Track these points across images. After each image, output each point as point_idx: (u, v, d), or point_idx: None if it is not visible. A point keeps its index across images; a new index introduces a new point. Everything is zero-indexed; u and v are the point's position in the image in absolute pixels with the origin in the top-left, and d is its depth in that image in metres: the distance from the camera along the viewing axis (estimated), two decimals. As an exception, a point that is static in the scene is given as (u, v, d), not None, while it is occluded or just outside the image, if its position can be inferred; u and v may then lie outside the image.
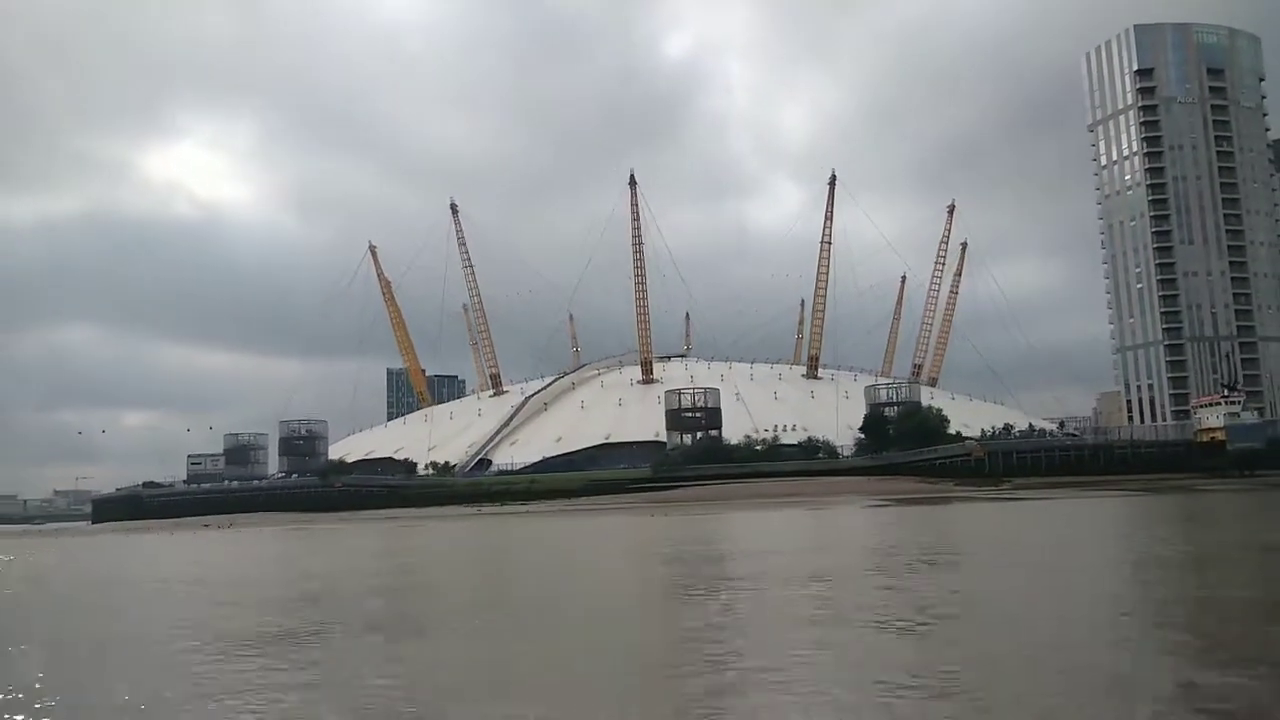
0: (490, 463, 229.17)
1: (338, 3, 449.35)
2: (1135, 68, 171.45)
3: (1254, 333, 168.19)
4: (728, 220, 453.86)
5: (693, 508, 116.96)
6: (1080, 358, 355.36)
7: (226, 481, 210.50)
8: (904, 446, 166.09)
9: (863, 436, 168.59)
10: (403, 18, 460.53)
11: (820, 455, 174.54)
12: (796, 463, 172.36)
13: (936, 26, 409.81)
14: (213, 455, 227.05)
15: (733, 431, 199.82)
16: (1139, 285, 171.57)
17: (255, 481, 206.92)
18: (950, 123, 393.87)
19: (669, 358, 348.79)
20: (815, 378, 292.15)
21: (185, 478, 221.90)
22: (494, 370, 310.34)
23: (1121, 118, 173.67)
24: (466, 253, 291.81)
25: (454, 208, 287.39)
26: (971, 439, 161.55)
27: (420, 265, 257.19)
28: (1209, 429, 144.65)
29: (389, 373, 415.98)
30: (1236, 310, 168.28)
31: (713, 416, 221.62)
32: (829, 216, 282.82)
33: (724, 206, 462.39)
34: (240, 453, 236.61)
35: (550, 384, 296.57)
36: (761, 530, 60.27)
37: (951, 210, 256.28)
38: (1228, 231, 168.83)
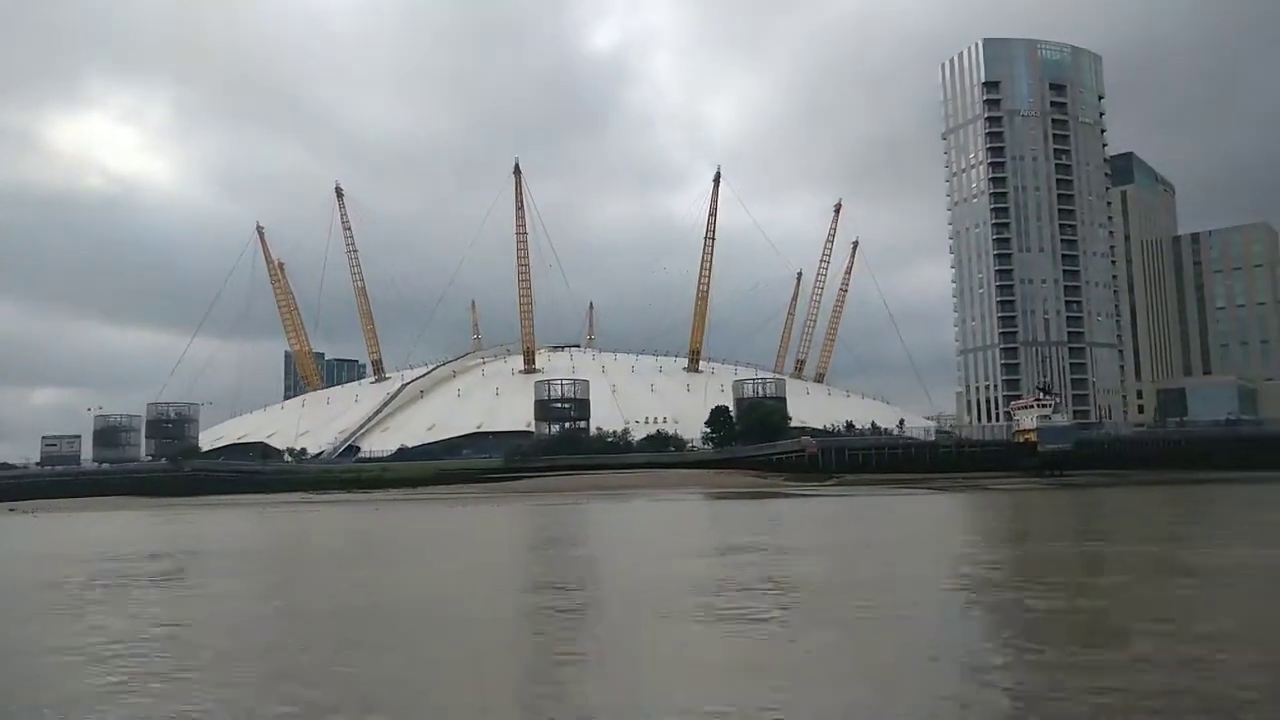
0: (358, 449, 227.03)
1: None
2: (983, 80, 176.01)
3: (1084, 339, 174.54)
4: (656, 213, 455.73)
5: (522, 498, 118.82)
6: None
7: (96, 464, 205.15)
8: (748, 441, 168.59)
9: (709, 430, 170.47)
10: (330, 3, 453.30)
11: (669, 448, 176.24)
12: (645, 455, 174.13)
13: (866, 25, 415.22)
14: (69, 437, 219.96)
15: (606, 422, 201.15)
16: (980, 290, 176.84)
17: (104, 465, 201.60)
18: (878, 122, 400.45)
19: (562, 348, 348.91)
20: (696, 371, 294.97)
21: (39, 459, 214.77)
22: (376, 356, 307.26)
23: (970, 127, 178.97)
24: (351, 237, 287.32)
25: (339, 191, 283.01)
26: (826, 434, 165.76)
27: (314, 248, 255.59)
28: (1024, 430, 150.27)
29: (286, 355, 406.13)
30: (1069, 317, 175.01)
31: (581, 408, 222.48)
32: (713, 213, 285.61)
33: (652, 199, 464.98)
34: (110, 434, 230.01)
35: (430, 371, 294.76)
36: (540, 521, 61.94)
37: (838, 209, 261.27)
38: (1063, 241, 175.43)
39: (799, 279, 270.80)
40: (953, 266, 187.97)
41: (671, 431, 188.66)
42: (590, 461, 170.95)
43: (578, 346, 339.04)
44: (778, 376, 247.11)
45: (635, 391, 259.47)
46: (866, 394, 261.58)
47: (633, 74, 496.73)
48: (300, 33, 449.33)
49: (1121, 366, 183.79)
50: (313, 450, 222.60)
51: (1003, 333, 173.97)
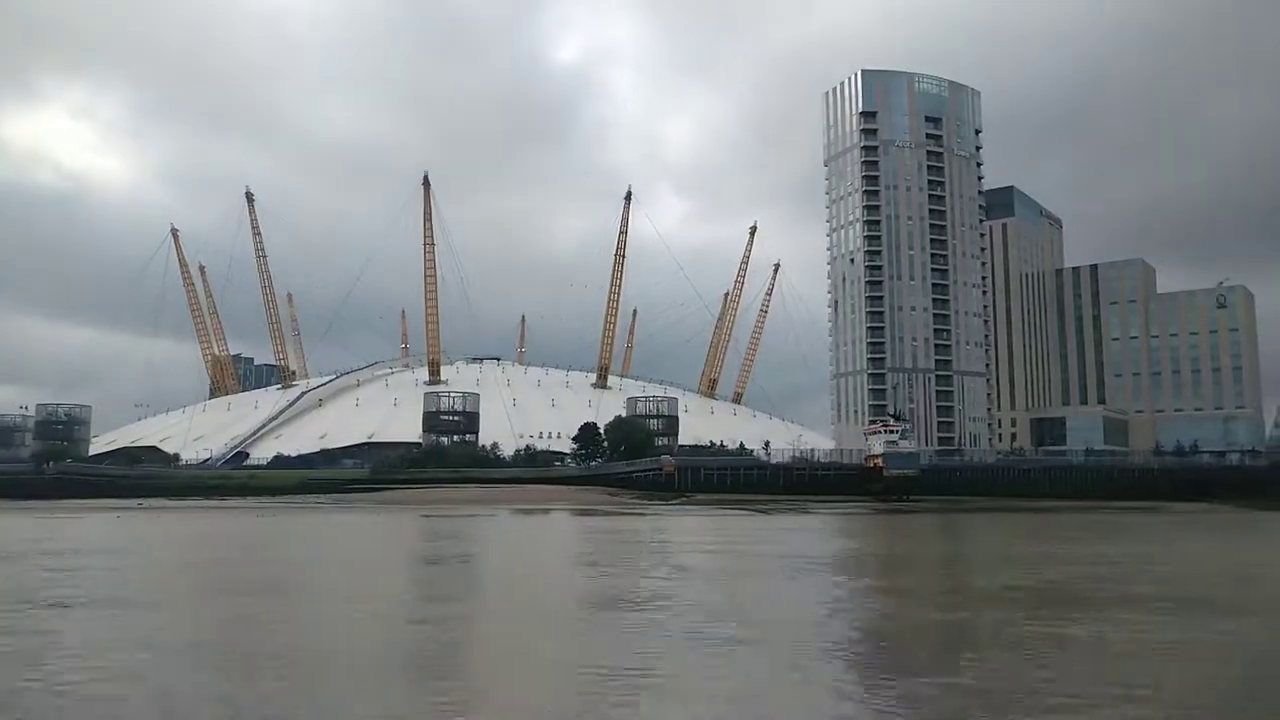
0: (247, 456, 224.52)
1: None
2: (860, 110, 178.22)
3: (951, 366, 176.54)
4: (613, 228, 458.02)
5: (375, 510, 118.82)
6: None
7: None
8: (617, 458, 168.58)
9: (576, 447, 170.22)
10: (288, 3, 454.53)
11: (538, 464, 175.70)
12: (512, 469, 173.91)
13: (821, 46, 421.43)
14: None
15: (497, 436, 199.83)
16: (853, 315, 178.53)
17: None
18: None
19: (480, 360, 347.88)
20: (604, 387, 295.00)
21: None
22: (285, 362, 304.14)
23: (848, 156, 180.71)
24: (261, 242, 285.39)
25: (249, 196, 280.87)
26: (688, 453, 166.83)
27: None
28: (874, 455, 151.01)
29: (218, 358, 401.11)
30: (938, 345, 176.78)
31: (470, 421, 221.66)
32: (624, 231, 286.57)
33: (610, 214, 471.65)
34: (3, 434, 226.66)
35: (333, 380, 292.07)
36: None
37: (753, 232, 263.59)
38: (935, 270, 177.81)
39: (725, 299, 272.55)
40: (829, 291, 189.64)
41: (567, 447, 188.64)
42: (456, 475, 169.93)
43: (498, 359, 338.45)
44: (670, 396, 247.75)
45: (536, 406, 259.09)
46: (777, 415, 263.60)
47: (594, 89, 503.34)
48: (258, 36, 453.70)
49: (989, 394, 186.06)
50: (204, 456, 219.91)
51: (871, 358, 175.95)
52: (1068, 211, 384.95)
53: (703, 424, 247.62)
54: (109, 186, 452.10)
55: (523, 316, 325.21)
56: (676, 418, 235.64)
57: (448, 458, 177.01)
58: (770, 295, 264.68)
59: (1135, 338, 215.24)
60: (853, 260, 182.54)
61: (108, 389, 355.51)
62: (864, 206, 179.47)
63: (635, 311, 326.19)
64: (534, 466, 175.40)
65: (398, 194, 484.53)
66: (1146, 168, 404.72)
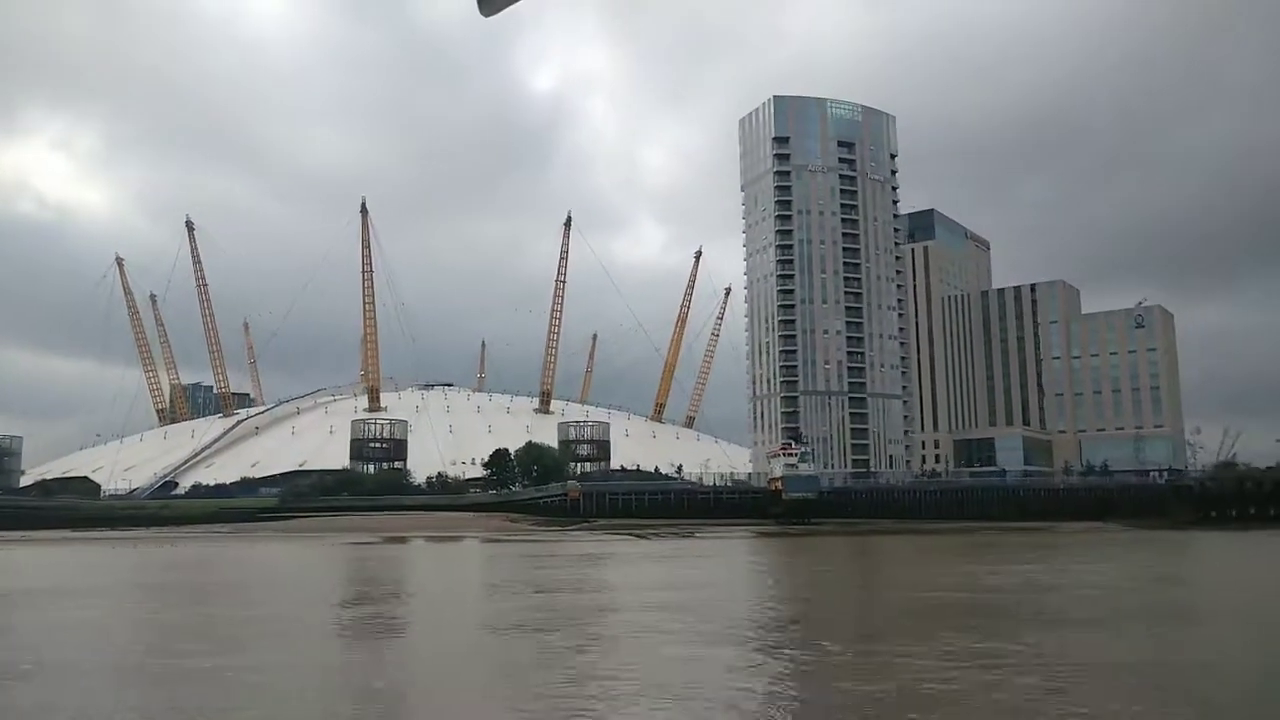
0: (176, 485, 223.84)
1: (202, 13, 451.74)
2: (773, 135, 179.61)
3: (866, 389, 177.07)
4: (594, 253, 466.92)
5: (255, 538, 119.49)
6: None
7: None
8: (527, 484, 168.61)
9: (488, 473, 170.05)
10: (270, 32, 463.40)
11: (450, 491, 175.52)
12: (424, 496, 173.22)
13: (793, 76, 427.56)
14: None
15: (432, 463, 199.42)
16: (767, 339, 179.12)
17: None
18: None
19: (431, 386, 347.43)
20: (547, 412, 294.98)
21: None
22: (224, 390, 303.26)
23: (763, 181, 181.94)
24: (201, 271, 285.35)
25: (190, 225, 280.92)
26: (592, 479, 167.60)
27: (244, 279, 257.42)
28: (775, 479, 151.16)
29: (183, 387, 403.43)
30: (852, 368, 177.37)
31: (399, 448, 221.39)
32: (564, 256, 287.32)
33: (591, 240, 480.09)
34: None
35: (272, 408, 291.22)
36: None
37: (698, 257, 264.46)
38: (848, 294, 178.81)
39: (680, 324, 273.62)
40: (746, 315, 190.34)
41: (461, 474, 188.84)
42: (367, 503, 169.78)
43: (450, 385, 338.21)
44: (603, 421, 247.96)
45: (473, 432, 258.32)
46: (725, 438, 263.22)
47: (572, 117, 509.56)
48: (238, 64, 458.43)
49: (907, 416, 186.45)
50: (133, 486, 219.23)
51: (784, 381, 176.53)
52: (1009, 234, 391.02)
53: (642, 448, 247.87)
54: (89, 216, 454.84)
55: (483, 342, 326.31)
56: (608, 442, 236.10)
57: (361, 485, 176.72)
58: (721, 319, 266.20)
59: (1058, 358, 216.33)
60: (767, 284, 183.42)
61: (82, 418, 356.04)
62: (776, 231, 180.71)
63: (595, 336, 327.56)
64: (446, 493, 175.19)
65: (377, 220, 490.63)
66: (1090, 191, 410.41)
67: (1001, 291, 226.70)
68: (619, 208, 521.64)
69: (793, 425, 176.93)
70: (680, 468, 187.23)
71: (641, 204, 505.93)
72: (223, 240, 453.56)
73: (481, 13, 4.24)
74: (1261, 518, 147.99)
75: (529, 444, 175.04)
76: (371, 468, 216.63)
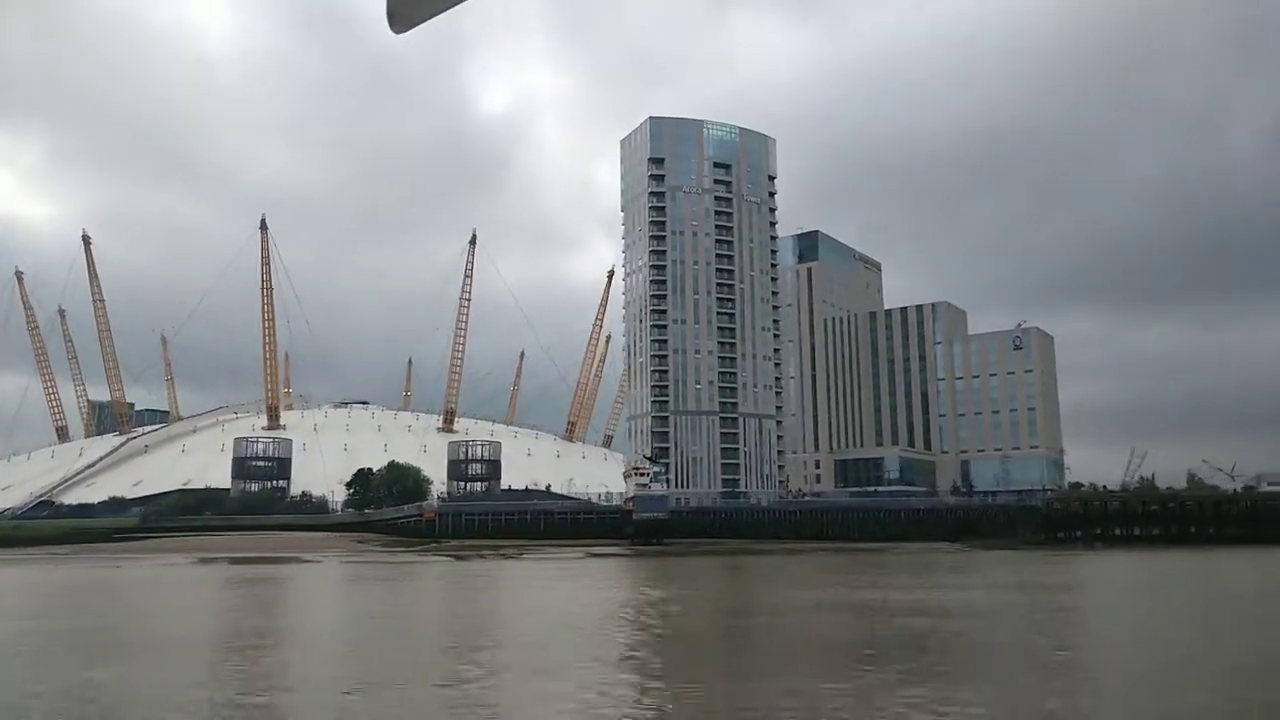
0: (52, 504, 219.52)
1: (149, 31, 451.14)
2: (649, 156, 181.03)
3: (738, 409, 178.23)
4: (548, 273, 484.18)
5: (85, 560, 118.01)
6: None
7: None
8: (388, 504, 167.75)
9: (350, 493, 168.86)
10: (218, 50, 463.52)
11: (312, 510, 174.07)
12: (283, 517, 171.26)
13: (740, 100, 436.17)
14: None
15: (321, 482, 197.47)
16: (640, 359, 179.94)
17: None
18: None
19: (347, 404, 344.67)
20: (450, 431, 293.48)
21: None
22: (120, 407, 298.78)
23: (640, 201, 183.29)
24: (99, 286, 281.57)
25: (86, 239, 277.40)
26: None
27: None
28: (628, 498, 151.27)
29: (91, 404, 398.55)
30: (724, 388, 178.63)
31: (282, 466, 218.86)
32: (468, 275, 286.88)
33: (545, 260, 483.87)
34: None
35: (165, 426, 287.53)
36: None
37: (610, 276, 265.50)
38: (721, 314, 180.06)
39: (608, 342, 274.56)
40: (624, 335, 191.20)
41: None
42: (225, 523, 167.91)
43: (366, 403, 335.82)
44: (494, 441, 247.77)
45: (368, 451, 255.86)
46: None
47: (523, 136, 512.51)
48: (186, 83, 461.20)
49: (780, 437, 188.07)
50: (8, 505, 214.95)
51: (655, 401, 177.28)
52: (953, 258, 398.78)
53: (545, 468, 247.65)
54: (36, 231, 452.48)
55: (409, 360, 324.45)
56: (498, 462, 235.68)
57: (223, 504, 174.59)
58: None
59: (943, 379, 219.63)
60: (641, 304, 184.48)
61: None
62: (650, 251, 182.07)
63: (522, 354, 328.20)
64: (309, 513, 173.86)
65: (331, 239, 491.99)
66: (1026, 217, 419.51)
67: (889, 313, 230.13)
68: (571, 227, 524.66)
69: (663, 445, 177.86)
70: (571, 483, 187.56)
71: (593, 223, 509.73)
72: (167, 257, 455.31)
73: (393, 30, 3.92)
74: (1105, 537, 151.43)
75: (391, 463, 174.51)
76: (255, 486, 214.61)
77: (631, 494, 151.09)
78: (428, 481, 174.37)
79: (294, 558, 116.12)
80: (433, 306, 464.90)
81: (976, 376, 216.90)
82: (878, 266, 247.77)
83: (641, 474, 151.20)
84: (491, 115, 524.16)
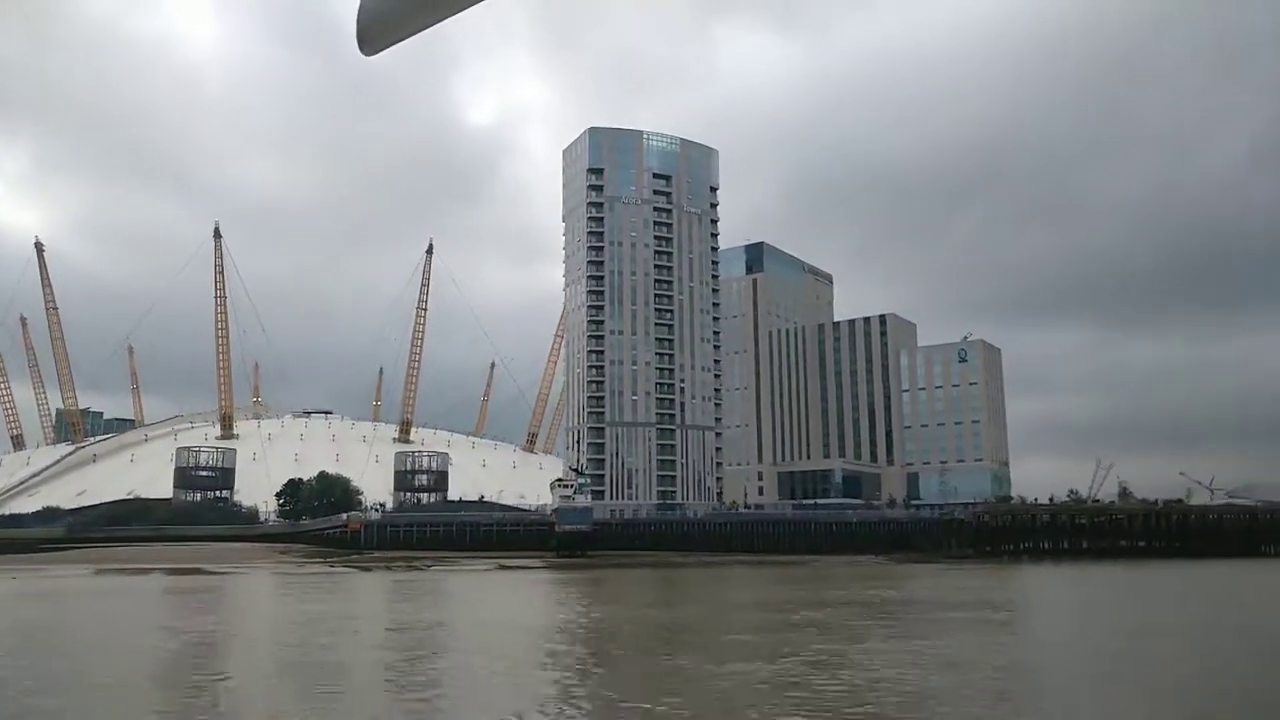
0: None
1: (135, 39, 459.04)
2: (588, 166, 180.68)
3: (676, 421, 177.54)
4: (536, 283, 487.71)
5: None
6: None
7: None
8: (319, 514, 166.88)
9: (281, 503, 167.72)
10: (203, 59, 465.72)
11: (241, 520, 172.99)
12: (212, 528, 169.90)
13: (729, 107, 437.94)
14: None
15: (257, 492, 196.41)
16: (577, 370, 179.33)
17: None
18: (746, 205, 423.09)
19: (309, 413, 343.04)
20: (407, 441, 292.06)
21: None
22: (74, 417, 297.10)
23: (579, 211, 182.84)
24: (51, 293, 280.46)
25: (39, 247, 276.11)
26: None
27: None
28: (553, 510, 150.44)
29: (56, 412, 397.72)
30: (661, 399, 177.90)
31: (226, 476, 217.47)
32: (425, 284, 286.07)
33: (533, 269, 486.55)
34: None
35: (117, 436, 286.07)
36: None
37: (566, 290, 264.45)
38: (659, 325, 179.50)
39: (555, 354, 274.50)
40: (564, 346, 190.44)
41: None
42: (154, 534, 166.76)
43: (327, 413, 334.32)
44: (441, 452, 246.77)
45: (320, 462, 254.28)
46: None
47: (510, 146, 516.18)
48: (170, 91, 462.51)
49: (719, 449, 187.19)
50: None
51: (591, 412, 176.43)
52: (937, 274, 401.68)
53: (497, 478, 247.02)
54: (19, 236, 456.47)
55: (380, 369, 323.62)
56: (445, 473, 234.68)
57: (150, 515, 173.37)
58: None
59: (906, 390, 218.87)
60: (579, 315, 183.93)
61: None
62: (588, 262, 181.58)
63: (493, 365, 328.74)
64: (239, 524, 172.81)
65: (317, 247, 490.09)
66: (1011, 231, 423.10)
67: (837, 325, 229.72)
68: (556, 237, 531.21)
69: (599, 456, 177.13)
70: (523, 496, 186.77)
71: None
72: (150, 265, 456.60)
73: (363, 51, 3.91)
74: (1034, 551, 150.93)
75: (321, 474, 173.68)
76: (197, 496, 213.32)
77: (556, 506, 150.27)
78: (358, 492, 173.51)
79: (195, 568, 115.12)
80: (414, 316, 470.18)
81: (923, 389, 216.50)
82: (829, 278, 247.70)
83: (566, 485, 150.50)
84: (478, 125, 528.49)
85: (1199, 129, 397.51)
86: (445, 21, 3.98)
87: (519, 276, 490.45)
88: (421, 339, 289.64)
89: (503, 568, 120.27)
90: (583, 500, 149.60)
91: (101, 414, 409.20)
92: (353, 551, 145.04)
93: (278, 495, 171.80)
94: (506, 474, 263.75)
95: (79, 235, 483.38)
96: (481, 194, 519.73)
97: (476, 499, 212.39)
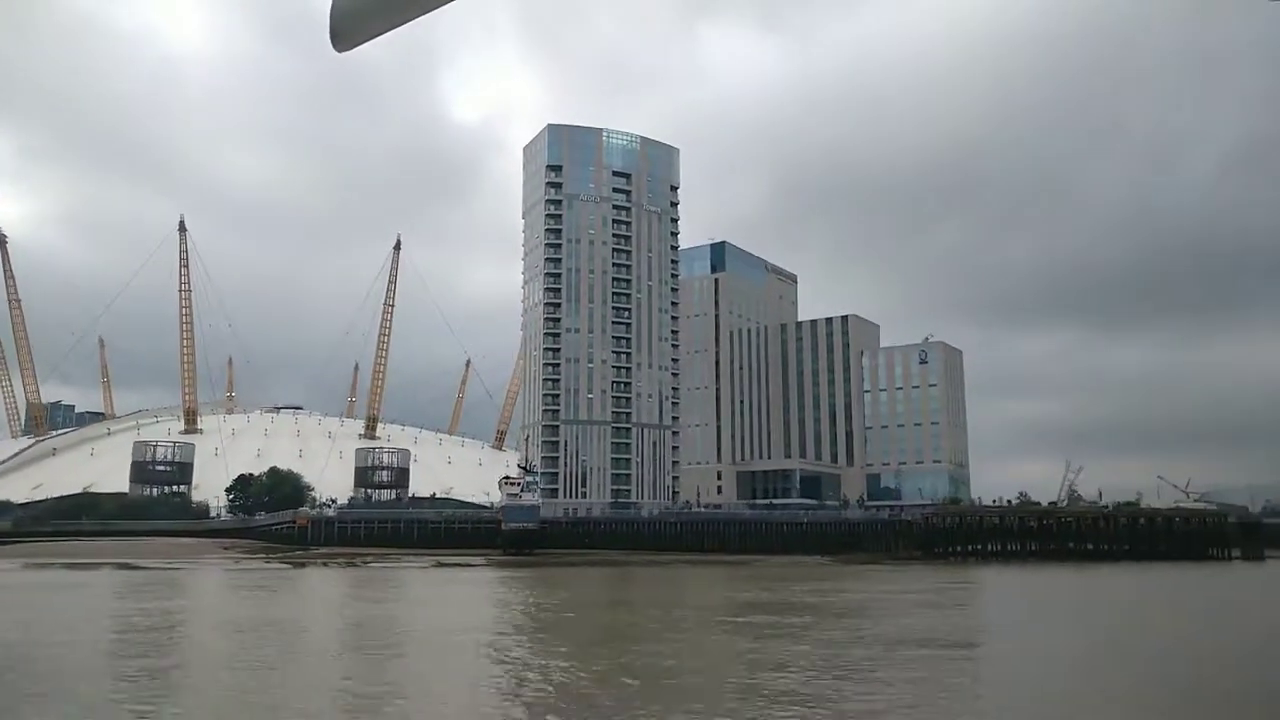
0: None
1: (114, 32, 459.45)
2: (546, 163, 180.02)
3: (631, 419, 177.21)
4: (514, 280, 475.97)
5: None
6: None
7: None
8: (270, 510, 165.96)
9: (231, 498, 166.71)
10: (183, 53, 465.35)
11: (191, 515, 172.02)
12: (164, 523, 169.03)
13: (719, 108, 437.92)
14: None
15: (218, 487, 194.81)
16: (533, 368, 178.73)
17: None
18: (724, 202, 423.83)
19: (278, 409, 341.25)
20: (373, 438, 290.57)
21: None
22: (38, 410, 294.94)
23: (539, 208, 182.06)
24: (14, 286, 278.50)
25: (2, 239, 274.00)
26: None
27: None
28: (500, 508, 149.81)
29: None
30: (618, 398, 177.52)
31: (184, 471, 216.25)
32: (393, 280, 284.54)
33: (514, 268, 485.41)
34: None
35: (78, 430, 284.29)
36: None
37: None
38: (617, 324, 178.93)
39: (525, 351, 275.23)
40: (522, 344, 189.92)
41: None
42: (102, 528, 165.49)
43: (298, 408, 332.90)
44: (401, 449, 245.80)
45: (283, 457, 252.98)
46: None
47: (496, 144, 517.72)
48: (151, 83, 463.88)
49: (676, 448, 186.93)
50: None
51: (546, 410, 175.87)
52: (919, 274, 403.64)
53: (461, 475, 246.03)
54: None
55: (355, 365, 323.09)
56: (406, 469, 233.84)
57: (99, 509, 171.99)
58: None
59: (868, 391, 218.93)
60: (536, 312, 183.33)
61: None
62: (545, 259, 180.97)
63: (468, 363, 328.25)
64: (190, 519, 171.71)
65: (302, 245, 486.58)
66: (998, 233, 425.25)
67: (800, 325, 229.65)
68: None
69: (553, 454, 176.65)
70: (488, 494, 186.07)
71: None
72: (137, 257, 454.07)
73: (336, 48, 3.98)
74: (982, 553, 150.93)
75: (271, 469, 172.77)
76: (154, 491, 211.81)
77: (503, 503, 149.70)
78: (309, 489, 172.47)
79: (128, 564, 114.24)
80: (401, 313, 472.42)
81: (884, 390, 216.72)
82: (793, 279, 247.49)
83: (513, 483, 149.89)
84: (464, 123, 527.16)
85: (1179, 135, 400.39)
86: (432, 18, 3.66)
87: (501, 274, 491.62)
88: (389, 335, 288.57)
89: (440, 565, 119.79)
90: (530, 498, 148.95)
91: (74, 407, 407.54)
92: (299, 548, 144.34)
93: (228, 491, 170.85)
94: (472, 471, 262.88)
95: (58, 227, 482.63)
96: (466, 191, 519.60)
97: (432, 496, 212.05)
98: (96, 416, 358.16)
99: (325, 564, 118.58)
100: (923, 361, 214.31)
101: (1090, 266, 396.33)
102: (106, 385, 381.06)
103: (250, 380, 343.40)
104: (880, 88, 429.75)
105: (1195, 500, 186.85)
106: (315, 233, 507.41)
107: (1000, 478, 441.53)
